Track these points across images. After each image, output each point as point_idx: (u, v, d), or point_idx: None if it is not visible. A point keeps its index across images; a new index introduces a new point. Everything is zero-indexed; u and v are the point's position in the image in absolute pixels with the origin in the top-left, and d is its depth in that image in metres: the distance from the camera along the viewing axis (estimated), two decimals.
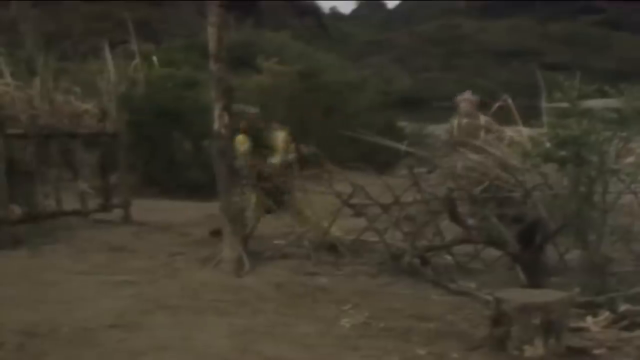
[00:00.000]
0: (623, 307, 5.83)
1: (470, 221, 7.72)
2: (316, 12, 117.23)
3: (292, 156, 8.98)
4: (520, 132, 8.73)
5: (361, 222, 8.45)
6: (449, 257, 7.94)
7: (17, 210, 9.43)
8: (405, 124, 22.90)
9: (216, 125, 7.98)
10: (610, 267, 6.81)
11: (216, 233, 8.47)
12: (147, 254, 8.42)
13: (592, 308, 6.01)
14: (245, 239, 8.14)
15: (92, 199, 10.84)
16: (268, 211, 8.86)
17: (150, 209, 11.38)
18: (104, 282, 7.07)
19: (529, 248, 6.92)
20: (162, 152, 15.02)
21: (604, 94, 7.43)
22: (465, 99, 11.04)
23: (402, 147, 9.31)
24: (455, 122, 10.96)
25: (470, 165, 8.19)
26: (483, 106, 10.62)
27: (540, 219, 7.01)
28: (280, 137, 9.03)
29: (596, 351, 5.11)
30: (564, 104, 7.24)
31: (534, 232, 6.97)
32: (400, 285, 7.21)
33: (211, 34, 7.99)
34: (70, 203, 10.45)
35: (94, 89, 11.95)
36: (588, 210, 6.78)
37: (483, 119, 11.15)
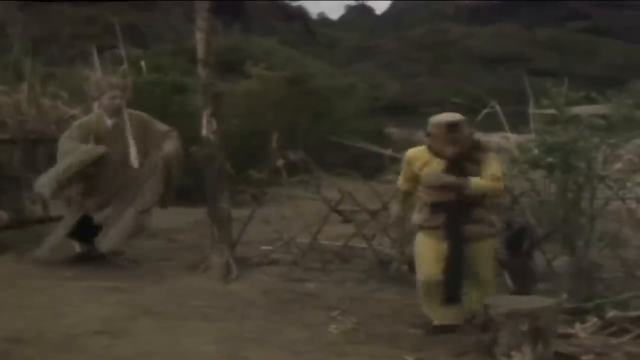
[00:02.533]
0: (611, 313, 5.84)
1: None
2: (304, 17, 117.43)
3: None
4: (507, 139, 8.74)
5: (349, 228, 8.44)
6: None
7: (3, 215, 9.38)
8: (393, 130, 22.92)
9: (204, 131, 7.98)
10: (598, 274, 6.82)
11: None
12: (134, 259, 8.38)
13: (580, 314, 6.02)
14: (233, 245, 8.11)
15: None
16: None
17: None
18: (90, 288, 7.03)
19: (516, 254, 6.93)
20: None
21: (591, 101, 7.46)
22: (104, 82, 7.90)
23: (389, 152, 9.32)
24: (82, 122, 8.10)
25: None
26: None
27: (527, 225, 7.02)
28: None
29: (584, 357, 5.12)
30: (552, 111, 7.26)
31: (522, 238, 6.97)
32: (388, 291, 7.21)
33: (199, 39, 7.98)
34: (57, 209, 10.39)
35: (81, 94, 11.91)
36: (576, 217, 6.81)
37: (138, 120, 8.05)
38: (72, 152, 7.89)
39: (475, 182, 5.65)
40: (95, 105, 8.06)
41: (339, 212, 8.44)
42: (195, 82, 10.31)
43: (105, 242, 7.90)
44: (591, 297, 6.38)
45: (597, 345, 5.34)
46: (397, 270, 7.66)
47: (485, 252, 5.90)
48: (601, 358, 5.14)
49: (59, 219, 10.23)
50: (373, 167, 13.59)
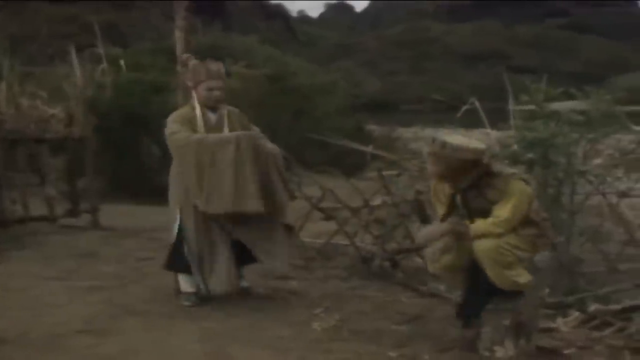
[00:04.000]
0: (593, 307, 5.89)
1: None
2: (284, 15, 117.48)
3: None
4: (488, 135, 8.78)
5: (331, 225, 8.45)
6: (419, 260, 7.95)
7: None
8: (374, 127, 22.98)
9: None
10: (580, 268, 6.87)
11: None
12: (116, 259, 8.35)
13: (562, 308, 6.06)
14: None
15: (60, 204, 10.74)
16: None
17: (119, 213, 11.32)
18: (73, 287, 7.01)
19: None
20: (130, 156, 14.96)
21: (570, 97, 7.51)
22: (202, 68, 6.64)
23: (370, 150, 9.34)
24: (178, 115, 6.62)
25: None
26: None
27: None
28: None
29: (566, 351, 5.15)
30: (531, 107, 7.31)
31: None
32: (371, 288, 7.21)
33: (178, 38, 7.95)
34: (37, 208, 10.36)
35: (60, 93, 11.87)
36: (556, 212, 6.85)
37: None
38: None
39: (475, 229, 5.05)
40: (193, 97, 6.59)
41: (320, 210, 8.45)
42: (175, 81, 10.28)
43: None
44: (573, 291, 6.43)
45: (579, 339, 5.38)
46: (379, 267, 7.67)
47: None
48: (583, 352, 5.17)
49: (39, 218, 10.21)
50: (354, 165, 13.66)
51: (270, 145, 6.51)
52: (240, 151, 6.19)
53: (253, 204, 6.17)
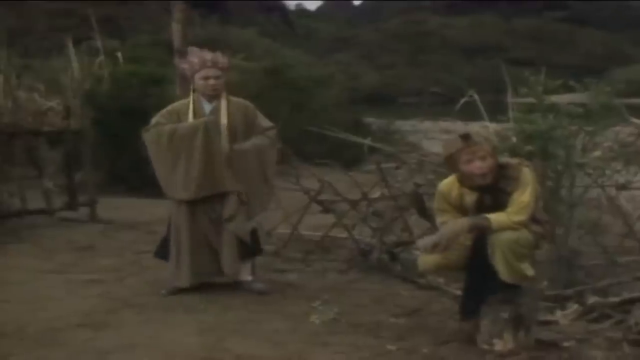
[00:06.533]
0: (592, 300, 5.88)
1: None
2: (282, 8, 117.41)
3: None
4: (486, 128, 8.76)
5: (329, 218, 8.43)
6: (417, 253, 7.92)
7: None
8: (372, 120, 22.96)
9: None
10: (578, 261, 6.86)
11: None
12: (114, 252, 8.34)
13: (560, 301, 6.05)
14: None
15: (58, 197, 10.71)
16: None
17: (117, 207, 11.29)
18: (71, 281, 6.99)
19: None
20: (128, 149, 14.87)
21: (569, 89, 7.49)
22: (196, 58, 6.55)
23: (368, 142, 9.30)
24: (169, 108, 6.79)
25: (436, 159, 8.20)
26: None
27: None
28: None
29: (565, 344, 5.13)
30: (530, 99, 7.28)
31: None
32: (370, 281, 7.20)
33: (175, 31, 7.95)
34: (35, 202, 10.33)
35: (58, 86, 11.85)
36: (555, 205, 6.83)
37: None
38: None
39: (497, 221, 4.94)
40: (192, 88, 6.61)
41: (319, 202, 8.43)
42: (172, 73, 10.26)
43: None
44: (572, 284, 6.42)
45: (578, 332, 5.37)
46: (378, 260, 7.65)
47: None
48: (582, 344, 5.15)
49: (37, 212, 10.19)
50: (353, 157, 13.65)
51: (258, 142, 6.63)
52: (209, 136, 6.32)
53: (220, 185, 6.40)
